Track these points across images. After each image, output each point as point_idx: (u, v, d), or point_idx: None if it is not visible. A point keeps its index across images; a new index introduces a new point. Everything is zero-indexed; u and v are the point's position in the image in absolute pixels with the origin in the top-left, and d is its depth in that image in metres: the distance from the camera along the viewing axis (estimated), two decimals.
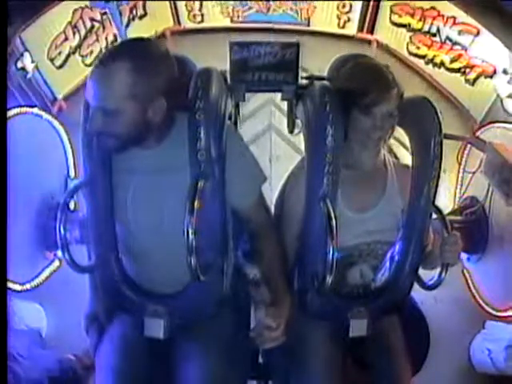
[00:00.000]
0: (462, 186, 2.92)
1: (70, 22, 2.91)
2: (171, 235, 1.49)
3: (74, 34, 2.96)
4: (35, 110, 2.64)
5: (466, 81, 3.08)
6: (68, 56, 2.97)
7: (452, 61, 3.10)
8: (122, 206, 1.57)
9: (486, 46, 2.93)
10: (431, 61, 3.20)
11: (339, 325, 1.70)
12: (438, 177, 1.69)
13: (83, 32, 3.00)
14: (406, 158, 1.86)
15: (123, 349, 1.61)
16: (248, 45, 1.89)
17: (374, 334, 1.72)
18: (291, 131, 2.05)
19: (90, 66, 3.06)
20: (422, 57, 3.22)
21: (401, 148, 2.15)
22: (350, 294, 1.73)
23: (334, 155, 1.59)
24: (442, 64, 3.16)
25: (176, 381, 1.59)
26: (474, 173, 2.78)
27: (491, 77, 2.94)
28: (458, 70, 3.11)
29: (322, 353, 1.68)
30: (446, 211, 1.80)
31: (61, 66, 2.97)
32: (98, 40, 3.06)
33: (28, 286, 2.57)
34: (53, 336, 2.94)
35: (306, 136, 1.69)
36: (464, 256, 2.76)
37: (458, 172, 2.92)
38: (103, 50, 3.06)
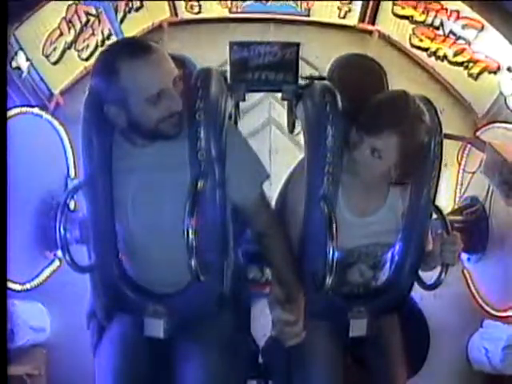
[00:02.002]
0: (462, 185, 2.92)
1: (64, 18, 2.90)
2: (171, 235, 1.49)
3: (69, 28, 2.95)
4: (35, 110, 2.65)
5: (469, 75, 3.06)
6: (63, 51, 2.97)
7: (455, 54, 3.07)
8: (121, 206, 1.57)
9: (490, 42, 2.92)
10: (434, 53, 3.16)
11: (339, 325, 1.70)
12: (438, 177, 1.69)
13: (78, 26, 2.98)
14: None
15: (123, 349, 1.61)
16: (248, 44, 1.89)
17: (374, 334, 1.72)
18: (291, 131, 2.06)
19: (86, 60, 3.05)
20: (425, 49, 3.18)
21: None
22: (349, 293, 1.73)
23: (334, 155, 1.58)
24: (445, 57, 3.13)
25: (176, 381, 1.59)
26: (473, 173, 2.78)
27: (495, 73, 2.93)
28: (461, 64, 3.08)
29: (321, 352, 1.68)
30: (446, 211, 1.79)
31: (56, 62, 2.96)
32: (93, 34, 3.03)
33: (28, 286, 2.58)
34: (54, 335, 2.96)
35: (306, 136, 1.69)
36: (464, 256, 2.77)
37: (458, 172, 2.92)
38: (99, 44, 3.03)
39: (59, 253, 2.46)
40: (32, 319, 2.81)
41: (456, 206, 2.90)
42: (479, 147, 2.67)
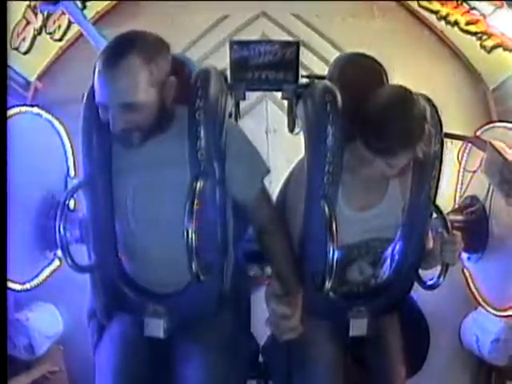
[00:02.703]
0: (462, 185, 2.91)
1: (29, 6, 2.81)
2: (171, 234, 1.49)
3: (35, 15, 2.86)
4: (35, 110, 2.64)
5: (482, 46, 2.95)
6: (34, 38, 2.89)
7: (468, 23, 2.95)
8: (121, 205, 1.57)
9: (507, 20, 2.79)
10: (444, 18, 3.03)
11: (339, 324, 1.70)
12: (439, 176, 1.69)
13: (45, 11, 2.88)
14: None
15: (123, 348, 1.61)
16: (248, 43, 1.88)
17: (374, 334, 1.72)
18: (291, 130, 2.05)
19: (59, 40, 3.00)
20: (435, 12, 3.05)
21: None
22: (349, 293, 1.73)
23: (334, 155, 1.58)
24: (455, 23, 3.00)
25: (176, 380, 1.59)
26: (474, 172, 2.78)
27: (510, 50, 2.82)
28: (473, 34, 2.96)
29: (321, 352, 1.68)
30: (446, 211, 1.79)
31: (27, 51, 2.89)
32: (64, 13, 2.90)
33: (28, 286, 2.57)
34: (65, 333, 2.96)
35: (306, 135, 1.69)
36: (464, 256, 2.76)
37: (459, 171, 2.91)
38: (72, 21, 2.91)
39: (59, 252, 2.46)
40: (47, 328, 2.86)
41: (456, 206, 2.89)
42: (480, 146, 2.66)
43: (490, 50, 2.95)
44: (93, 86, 1.51)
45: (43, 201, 2.53)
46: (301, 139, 1.72)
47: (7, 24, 2.20)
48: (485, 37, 2.94)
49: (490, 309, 2.76)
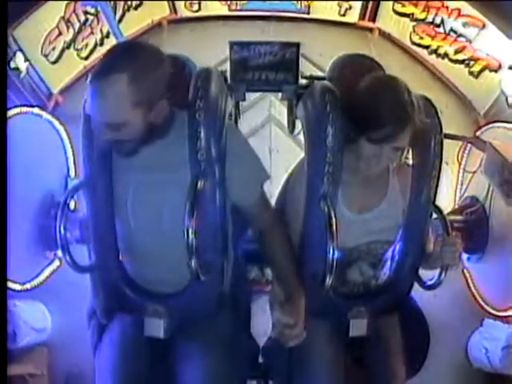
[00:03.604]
0: (462, 185, 2.91)
1: (62, 17, 2.90)
2: (171, 234, 1.49)
3: (67, 28, 2.94)
4: (35, 110, 2.64)
5: (470, 73, 3.06)
6: (62, 51, 2.96)
7: (456, 52, 3.07)
8: (121, 205, 1.57)
9: (491, 40, 2.90)
10: (435, 51, 3.17)
11: (339, 324, 1.70)
12: (438, 177, 1.69)
13: (77, 26, 2.98)
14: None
15: (123, 349, 1.61)
16: (248, 44, 1.89)
17: (374, 334, 1.72)
18: (291, 131, 2.06)
19: (85, 59, 3.06)
20: (426, 47, 3.19)
21: None
22: (350, 293, 1.73)
23: (334, 155, 1.58)
24: (445, 55, 3.13)
25: (176, 381, 1.59)
26: (474, 172, 2.78)
27: (496, 71, 2.92)
28: (462, 62, 3.08)
29: (321, 352, 1.68)
30: (446, 211, 1.79)
31: (55, 62, 2.96)
32: (92, 33, 3.04)
33: (28, 286, 2.57)
34: (54, 335, 2.95)
35: (306, 136, 1.69)
36: (464, 256, 2.76)
37: (459, 172, 2.92)
38: (98, 43, 3.04)
39: (59, 253, 2.46)
40: (33, 320, 2.82)
41: (456, 206, 2.90)
42: (480, 147, 2.67)
43: (477, 75, 3.06)
44: None
45: (43, 201, 2.54)
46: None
47: (7, 24, 2.21)
48: (472, 62, 3.05)
49: (489, 309, 2.77)
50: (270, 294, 1.80)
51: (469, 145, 2.85)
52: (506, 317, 2.72)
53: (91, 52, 3.07)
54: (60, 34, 2.93)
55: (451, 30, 3.04)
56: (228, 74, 1.86)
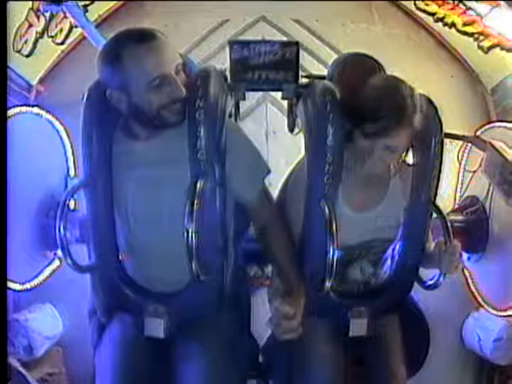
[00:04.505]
0: (462, 185, 2.91)
1: (31, 8, 2.81)
2: (171, 233, 1.49)
3: (38, 18, 2.86)
4: (35, 110, 2.64)
5: (479, 47, 2.97)
6: (36, 41, 2.90)
7: (465, 24, 2.97)
8: (121, 204, 1.57)
9: (504, 20, 2.79)
10: (441, 19, 3.05)
11: (339, 324, 1.70)
12: (439, 176, 1.69)
13: (48, 13, 2.89)
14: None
15: (123, 348, 1.61)
16: (248, 43, 1.88)
17: (374, 334, 1.72)
18: (291, 130, 2.05)
19: (61, 44, 3.01)
20: (431, 14, 3.07)
21: None
22: (350, 293, 1.73)
23: (334, 155, 1.58)
24: (453, 24, 3.02)
25: (176, 380, 1.59)
26: (474, 172, 2.78)
27: (507, 50, 2.83)
28: (470, 35, 2.98)
29: (321, 352, 1.68)
30: (446, 211, 1.79)
31: (29, 54, 2.90)
32: (66, 16, 2.92)
33: (28, 286, 2.57)
34: (65, 335, 2.96)
35: (306, 136, 1.69)
36: (464, 256, 2.76)
37: (459, 171, 2.91)
38: (74, 25, 2.94)
39: (59, 252, 2.46)
40: (46, 329, 2.86)
41: (456, 206, 2.89)
42: (480, 146, 2.66)
43: (487, 51, 2.97)
44: (94, 87, 1.51)
45: (43, 201, 2.53)
46: (300, 141, 1.72)
47: (7, 24, 2.20)
48: (482, 37, 2.95)
49: (490, 309, 2.76)
50: (270, 288, 1.80)
51: (469, 144, 2.84)
52: (505, 317, 2.72)
53: (67, 36, 3.00)
54: (31, 25, 2.85)
55: (461, 1, 2.90)
56: (228, 74, 1.86)
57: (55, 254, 2.63)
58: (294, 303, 1.50)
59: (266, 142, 2.99)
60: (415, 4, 3.08)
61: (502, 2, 2.73)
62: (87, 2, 2.94)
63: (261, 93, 3.03)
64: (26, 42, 2.88)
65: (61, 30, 2.99)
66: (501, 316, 2.74)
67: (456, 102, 3.02)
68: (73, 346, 2.92)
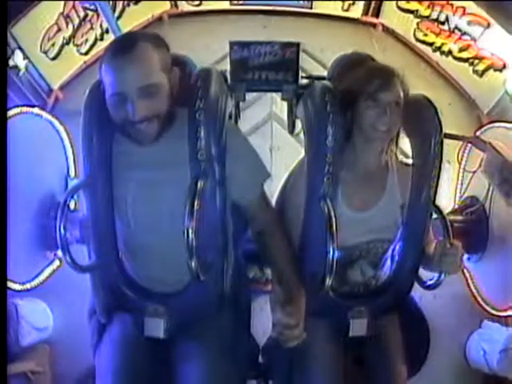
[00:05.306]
0: (462, 185, 2.91)
1: (62, 13, 2.90)
2: (171, 234, 1.49)
3: (66, 24, 2.95)
4: (35, 110, 2.64)
5: (474, 71, 3.05)
6: (62, 47, 2.97)
7: (460, 50, 3.07)
8: (122, 204, 1.57)
9: (496, 40, 2.90)
10: (438, 48, 3.15)
11: (339, 324, 1.70)
12: (438, 176, 1.69)
13: (76, 21, 2.98)
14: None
15: (123, 348, 1.61)
16: (248, 44, 1.89)
17: (374, 334, 1.72)
18: (291, 131, 2.05)
19: (85, 54, 3.06)
20: (430, 44, 3.18)
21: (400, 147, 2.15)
22: (350, 293, 1.73)
23: (334, 155, 1.58)
24: (449, 52, 3.12)
25: (176, 381, 1.59)
26: (474, 172, 2.78)
27: (500, 70, 2.92)
28: (466, 60, 3.08)
29: (321, 352, 1.68)
30: (446, 211, 1.79)
31: (55, 58, 2.96)
32: (92, 28, 3.03)
33: (28, 286, 2.57)
34: (56, 333, 2.96)
35: (306, 136, 1.69)
36: (464, 256, 2.76)
37: (459, 171, 2.92)
38: (98, 38, 3.03)
39: (59, 252, 2.46)
40: (35, 319, 2.83)
41: (456, 206, 2.90)
42: (480, 147, 2.67)
43: (481, 74, 3.06)
44: (94, 87, 1.51)
45: (43, 201, 2.54)
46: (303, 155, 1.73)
47: (7, 24, 2.21)
48: (476, 61, 3.05)
49: (489, 309, 2.77)
50: (271, 294, 1.80)
51: (469, 145, 2.85)
52: (505, 317, 2.72)
53: (91, 47, 3.06)
54: (59, 30, 2.93)
55: (456, 27, 3.03)
56: (228, 74, 1.86)
57: (55, 255, 2.64)
58: (295, 311, 1.50)
59: (270, 157, 3.10)
60: (414, 35, 3.20)
61: (491, 21, 2.81)
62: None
63: (267, 111, 3.20)
64: (53, 44, 2.93)
65: (86, 40, 3.07)
66: (501, 316, 2.74)
67: (453, 128, 3.04)
68: (61, 346, 2.92)
